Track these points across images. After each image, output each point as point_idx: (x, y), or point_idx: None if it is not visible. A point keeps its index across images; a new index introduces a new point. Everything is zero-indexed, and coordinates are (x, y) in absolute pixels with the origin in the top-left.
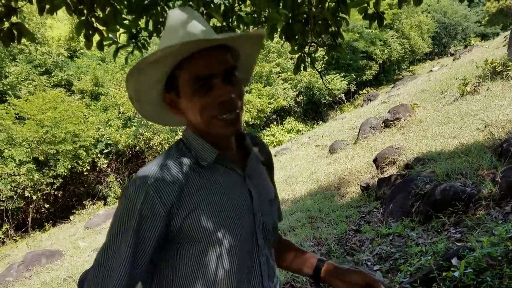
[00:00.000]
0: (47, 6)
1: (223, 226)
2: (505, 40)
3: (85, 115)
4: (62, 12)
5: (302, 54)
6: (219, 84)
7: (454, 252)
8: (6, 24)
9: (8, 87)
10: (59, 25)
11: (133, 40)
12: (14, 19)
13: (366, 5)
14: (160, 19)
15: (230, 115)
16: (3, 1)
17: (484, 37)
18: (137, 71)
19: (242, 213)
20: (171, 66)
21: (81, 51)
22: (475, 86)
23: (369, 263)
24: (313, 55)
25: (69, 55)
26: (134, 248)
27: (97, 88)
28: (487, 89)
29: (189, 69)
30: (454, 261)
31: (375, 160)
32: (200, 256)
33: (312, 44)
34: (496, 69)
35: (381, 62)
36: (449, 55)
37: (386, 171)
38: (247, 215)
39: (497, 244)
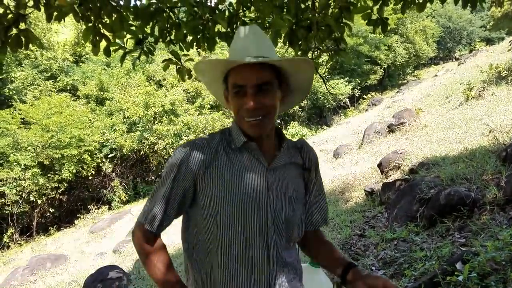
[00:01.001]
0: (55, 13)
1: (233, 199)
2: (510, 45)
3: (90, 120)
4: (67, 18)
5: None
6: (250, 93)
7: (458, 257)
8: (14, 31)
9: (14, 92)
10: (65, 31)
11: (140, 46)
12: (21, 25)
13: (369, 11)
14: (166, 25)
15: (253, 120)
16: (12, 8)
17: (489, 41)
18: (199, 71)
19: (253, 195)
20: (223, 71)
21: (86, 56)
22: (480, 91)
23: (373, 268)
24: (316, 60)
25: (74, 60)
26: (170, 191)
27: (102, 93)
28: (492, 94)
29: (233, 77)
30: (458, 265)
31: (379, 165)
32: (212, 217)
33: (316, 49)
34: (501, 74)
35: (385, 66)
36: (454, 60)
37: (390, 175)
38: (258, 199)
39: (502, 248)
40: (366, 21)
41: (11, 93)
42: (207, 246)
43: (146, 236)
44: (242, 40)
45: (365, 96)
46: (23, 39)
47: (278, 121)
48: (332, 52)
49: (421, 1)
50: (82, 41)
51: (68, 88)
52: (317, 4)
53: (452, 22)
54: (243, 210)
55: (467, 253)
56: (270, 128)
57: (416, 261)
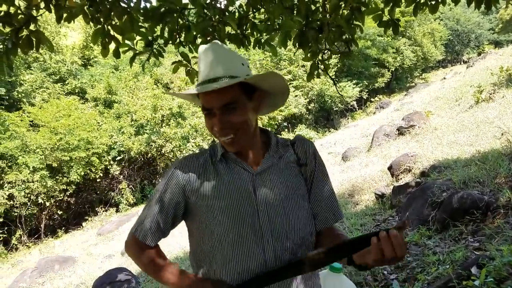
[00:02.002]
0: (65, 15)
1: (222, 211)
2: None
3: (98, 123)
4: (76, 21)
5: (316, 61)
6: (217, 115)
7: (473, 261)
8: (25, 32)
9: (23, 94)
10: (73, 34)
11: (149, 48)
12: (32, 27)
13: (380, 12)
14: (176, 27)
15: (225, 139)
16: (23, 9)
17: (497, 44)
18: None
19: (241, 204)
20: (191, 97)
21: (95, 59)
22: (490, 94)
23: (385, 272)
24: (326, 62)
25: (82, 63)
26: (161, 206)
27: (110, 96)
28: (503, 97)
29: (201, 100)
30: (473, 270)
31: (390, 168)
32: (205, 228)
33: (326, 51)
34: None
35: (393, 69)
36: (462, 63)
37: (401, 178)
38: (248, 206)
39: None
40: (377, 23)
41: (20, 96)
42: (206, 255)
43: (143, 248)
44: (204, 62)
45: (372, 99)
46: (34, 40)
47: (285, 124)
48: (342, 53)
49: (433, 2)
50: (91, 44)
51: (77, 91)
52: (327, 5)
53: (460, 25)
54: (234, 218)
55: (482, 258)
56: (249, 139)
57: (429, 265)
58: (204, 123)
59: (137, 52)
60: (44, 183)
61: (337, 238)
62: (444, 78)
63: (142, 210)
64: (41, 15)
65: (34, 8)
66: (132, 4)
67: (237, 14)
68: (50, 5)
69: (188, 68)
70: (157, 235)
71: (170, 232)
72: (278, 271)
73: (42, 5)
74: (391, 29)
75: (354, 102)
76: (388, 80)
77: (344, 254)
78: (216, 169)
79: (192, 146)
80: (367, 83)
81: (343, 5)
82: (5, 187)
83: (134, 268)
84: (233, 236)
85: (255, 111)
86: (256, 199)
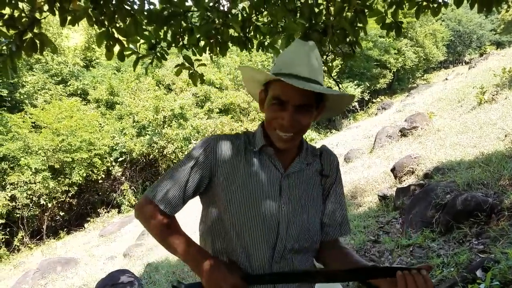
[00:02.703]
0: (69, 17)
1: (245, 197)
2: None
3: (100, 124)
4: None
5: None
6: (290, 111)
7: (478, 264)
8: (29, 35)
9: (25, 96)
10: (75, 36)
11: (153, 51)
12: (36, 29)
13: (384, 14)
14: (179, 30)
15: (285, 135)
16: (26, 12)
17: (499, 45)
18: (249, 75)
19: (265, 199)
20: (268, 79)
21: (97, 61)
22: (493, 95)
23: None
24: (330, 64)
25: (84, 64)
26: (187, 177)
27: (112, 97)
28: (505, 98)
29: (276, 89)
30: (478, 273)
31: (393, 169)
32: (223, 211)
33: (329, 53)
34: None
35: (395, 70)
36: (464, 64)
37: (404, 180)
38: (271, 203)
39: None
40: (380, 25)
41: (22, 97)
42: (220, 236)
43: (162, 216)
44: (295, 55)
45: (374, 100)
46: (38, 43)
47: None
48: (346, 56)
49: (435, 5)
50: (93, 46)
51: (79, 93)
52: (331, 8)
53: (462, 26)
54: (257, 210)
55: (487, 260)
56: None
57: (434, 268)
58: (207, 123)
59: (141, 55)
60: (46, 184)
61: (343, 253)
62: (446, 79)
63: (164, 176)
64: (45, 18)
65: (37, 11)
66: (136, 7)
67: (240, 16)
68: (54, 8)
69: (191, 71)
70: (178, 205)
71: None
72: (294, 274)
73: (46, 7)
74: (393, 31)
75: (356, 103)
76: (390, 81)
77: (360, 278)
78: (248, 158)
79: None
80: (368, 84)
81: (347, 8)
82: (7, 188)
83: (136, 269)
84: (251, 226)
85: (314, 119)
86: (281, 199)
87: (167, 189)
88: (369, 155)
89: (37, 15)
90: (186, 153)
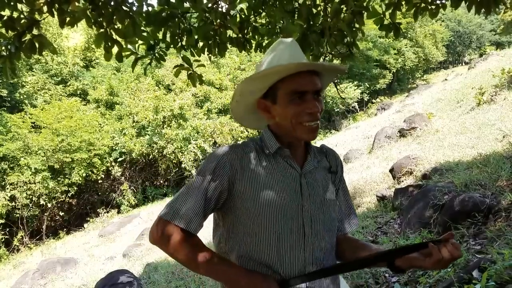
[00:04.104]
0: (68, 19)
1: (268, 203)
2: None
3: (100, 124)
4: (78, 23)
5: None
6: (310, 99)
7: (475, 264)
8: (28, 36)
9: (25, 96)
10: (75, 36)
11: (151, 52)
12: (35, 31)
13: (382, 15)
14: (177, 31)
15: (313, 124)
16: (25, 14)
17: (499, 45)
18: (252, 79)
19: (288, 200)
20: (277, 79)
21: (96, 61)
22: (492, 96)
23: (387, 275)
24: None
25: (84, 65)
26: (206, 192)
27: (112, 97)
28: (504, 99)
29: (291, 84)
30: (475, 273)
31: (391, 170)
32: (246, 223)
33: (327, 54)
34: None
35: (394, 71)
36: (463, 64)
37: (403, 181)
38: (294, 203)
39: None
40: (378, 26)
41: (22, 97)
42: (244, 251)
43: (185, 235)
44: (280, 51)
45: (374, 100)
46: (37, 45)
47: None
48: (344, 57)
49: (434, 7)
50: (93, 46)
51: (78, 93)
52: (329, 9)
53: (462, 26)
54: (280, 214)
55: (484, 261)
56: None
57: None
58: (206, 124)
59: (139, 56)
60: (46, 185)
61: (355, 242)
62: (446, 79)
63: (178, 195)
64: (44, 19)
65: (37, 13)
66: (134, 8)
67: (238, 18)
68: (53, 9)
69: (190, 72)
70: (200, 222)
71: None
72: (326, 270)
73: (45, 9)
74: (392, 32)
75: (355, 104)
76: (390, 81)
77: (389, 259)
78: (263, 163)
79: (194, 147)
80: (368, 85)
81: (344, 9)
82: (7, 188)
83: (135, 270)
84: (278, 230)
85: None
86: (302, 197)
87: (187, 207)
88: (368, 156)
89: (36, 16)
90: (197, 170)
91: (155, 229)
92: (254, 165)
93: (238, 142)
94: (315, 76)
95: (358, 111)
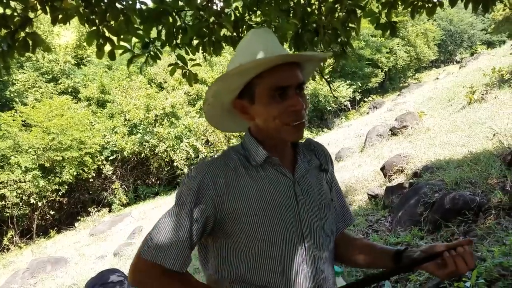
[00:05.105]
0: (60, 16)
1: (264, 221)
2: None
3: (91, 122)
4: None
5: None
6: (293, 95)
7: None
8: (21, 34)
9: (15, 94)
10: (66, 33)
11: (146, 50)
12: (28, 29)
13: (378, 14)
14: (172, 29)
15: (299, 123)
16: (18, 12)
17: (490, 44)
18: (223, 79)
19: (285, 213)
20: (253, 75)
21: (88, 59)
22: (483, 94)
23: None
24: (322, 64)
25: (75, 62)
26: (190, 221)
27: (103, 96)
28: (495, 97)
29: (270, 79)
30: None
31: (382, 168)
32: (242, 245)
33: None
34: (504, 77)
35: (386, 69)
36: (455, 63)
37: (394, 179)
38: (291, 215)
39: (509, 254)
40: (374, 25)
41: (12, 95)
42: (240, 276)
43: (172, 278)
44: (263, 43)
45: (366, 99)
46: (30, 42)
47: None
48: (338, 56)
49: (430, 5)
50: (84, 44)
51: (70, 91)
52: (323, 8)
53: (453, 25)
54: (279, 230)
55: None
56: None
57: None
58: (198, 122)
59: (135, 54)
60: (36, 183)
61: (354, 241)
62: (437, 78)
63: (157, 229)
64: (37, 17)
65: (30, 10)
66: (128, 5)
67: (233, 16)
68: (46, 6)
69: (185, 70)
70: (188, 256)
71: None
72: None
73: (38, 6)
74: (388, 31)
75: (348, 102)
76: (382, 80)
77: (410, 269)
78: (252, 176)
79: (186, 146)
80: (360, 84)
81: (338, 8)
82: None
83: (127, 269)
84: (279, 248)
85: None
86: (298, 207)
87: (170, 241)
88: (360, 154)
89: (30, 14)
90: (176, 193)
91: (134, 269)
92: (241, 180)
93: (217, 154)
94: (296, 68)
95: (350, 109)
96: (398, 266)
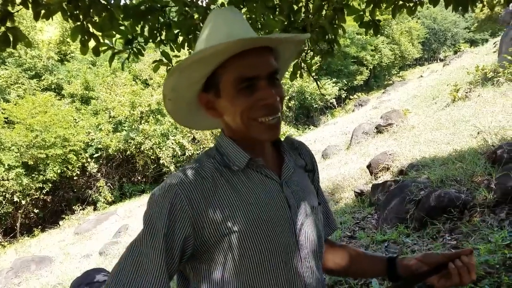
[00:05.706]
0: (43, 11)
1: (255, 233)
2: (495, 47)
3: (75, 119)
4: (53, 16)
5: (299, 61)
6: (263, 86)
7: None
8: (2, 29)
9: None
10: (50, 29)
11: (129, 46)
12: (9, 23)
13: (362, 13)
14: (157, 25)
15: (271, 119)
16: None
17: (473, 43)
18: (179, 70)
19: (278, 221)
20: (215, 65)
21: (72, 54)
22: (466, 92)
23: None
24: (309, 62)
25: (59, 58)
26: (165, 250)
27: (87, 92)
28: (478, 95)
29: (234, 69)
30: None
31: (368, 166)
32: (229, 264)
33: (309, 51)
34: (487, 75)
35: (371, 67)
36: (438, 61)
37: (380, 177)
38: (285, 223)
39: (494, 251)
40: (359, 23)
41: None
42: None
43: None
44: (227, 25)
45: (351, 97)
46: (11, 38)
47: None
48: (325, 54)
49: (411, 4)
50: (68, 39)
51: (53, 87)
52: (310, 5)
53: (437, 24)
54: (272, 245)
55: None
56: None
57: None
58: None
59: (116, 51)
60: (20, 181)
61: (343, 248)
62: (421, 76)
63: (126, 261)
64: (18, 11)
65: (10, 5)
66: (112, 1)
67: None
68: (27, 1)
69: (169, 67)
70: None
71: None
72: None
73: (18, 1)
74: (372, 29)
75: (333, 100)
76: (367, 78)
77: (416, 282)
78: (234, 184)
79: (172, 143)
80: (346, 81)
81: (326, 6)
82: None
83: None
84: (275, 262)
85: None
86: (291, 213)
87: (142, 277)
88: (346, 152)
89: (10, 8)
90: (144, 213)
91: None
92: (221, 191)
93: (189, 163)
94: (268, 55)
95: (336, 107)
96: (405, 279)
